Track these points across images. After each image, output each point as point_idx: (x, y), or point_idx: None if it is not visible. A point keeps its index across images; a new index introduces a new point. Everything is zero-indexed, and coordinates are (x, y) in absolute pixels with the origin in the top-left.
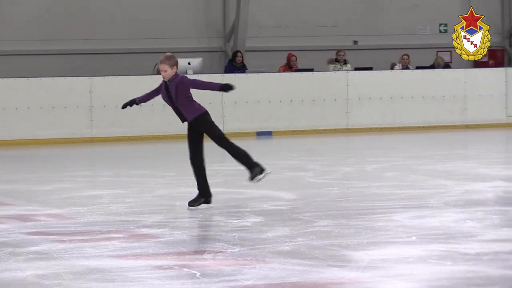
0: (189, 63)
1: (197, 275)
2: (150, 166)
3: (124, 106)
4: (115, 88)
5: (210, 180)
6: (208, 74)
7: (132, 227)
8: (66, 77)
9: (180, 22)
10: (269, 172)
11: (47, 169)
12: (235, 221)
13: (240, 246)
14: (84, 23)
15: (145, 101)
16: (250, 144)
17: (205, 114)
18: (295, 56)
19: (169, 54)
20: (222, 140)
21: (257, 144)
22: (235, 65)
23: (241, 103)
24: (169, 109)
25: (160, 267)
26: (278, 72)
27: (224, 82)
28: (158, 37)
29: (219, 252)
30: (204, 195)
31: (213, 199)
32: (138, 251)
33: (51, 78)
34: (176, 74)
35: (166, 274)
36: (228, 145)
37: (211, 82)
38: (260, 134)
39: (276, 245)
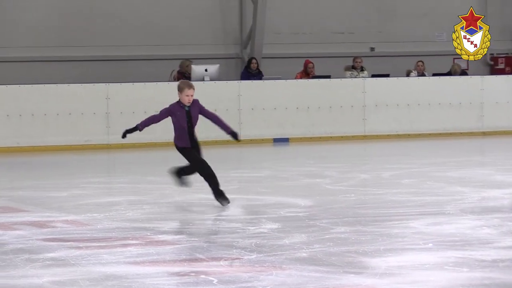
0: (206, 70)
1: (214, 282)
2: (166, 172)
3: (124, 135)
4: (132, 95)
5: (225, 187)
6: (225, 81)
7: (148, 234)
8: (83, 84)
9: (197, 29)
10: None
11: (64, 175)
12: (252, 228)
13: (257, 252)
14: (102, 29)
15: (147, 126)
16: (267, 150)
17: None
18: (312, 63)
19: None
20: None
21: (274, 150)
22: (250, 72)
23: (258, 110)
24: None
25: (177, 274)
26: (295, 78)
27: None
28: (175, 43)
29: (236, 258)
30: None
31: (231, 206)
32: (155, 257)
33: (67, 84)
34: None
35: (183, 280)
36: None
37: (223, 121)
38: (277, 140)
39: (293, 251)
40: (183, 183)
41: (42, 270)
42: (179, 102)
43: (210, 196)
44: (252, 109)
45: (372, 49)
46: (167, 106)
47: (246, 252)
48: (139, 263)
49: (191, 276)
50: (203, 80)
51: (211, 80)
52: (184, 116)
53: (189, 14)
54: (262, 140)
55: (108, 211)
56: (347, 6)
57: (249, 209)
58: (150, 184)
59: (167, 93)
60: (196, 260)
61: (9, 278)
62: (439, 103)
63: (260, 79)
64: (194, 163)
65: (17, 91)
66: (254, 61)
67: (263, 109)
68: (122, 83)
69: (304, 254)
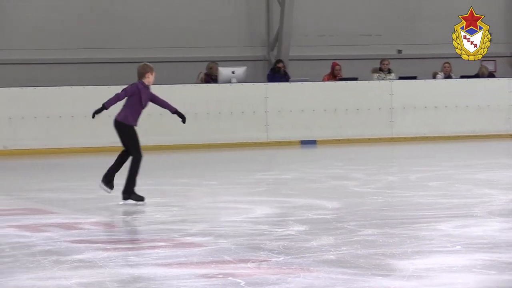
0: (233, 72)
1: (241, 284)
2: (193, 174)
3: (93, 115)
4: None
5: (253, 189)
6: (252, 83)
7: (176, 236)
8: (110, 86)
9: (224, 31)
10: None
11: (92, 177)
12: (280, 230)
13: (284, 254)
14: (130, 32)
15: (112, 105)
16: (294, 153)
17: None
18: (339, 65)
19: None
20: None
21: (301, 152)
22: (277, 74)
23: (285, 112)
24: (213, 118)
25: (205, 276)
26: (322, 81)
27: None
28: (202, 46)
29: (264, 260)
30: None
31: (258, 208)
32: (182, 259)
33: (94, 86)
34: None
35: (210, 282)
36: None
37: (170, 104)
38: (304, 142)
39: (321, 254)
40: (111, 187)
41: (70, 271)
42: (142, 83)
43: (238, 198)
44: (279, 111)
45: (400, 51)
46: (128, 86)
47: (273, 254)
48: (167, 265)
49: (218, 278)
50: (230, 82)
51: (238, 82)
52: (147, 96)
53: (216, 16)
54: (289, 142)
55: (135, 213)
56: (374, 8)
57: (276, 211)
58: (177, 186)
59: (194, 95)
60: (224, 262)
61: (37, 280)
62: (467, 105)
63: (287, 81)
64: (136, 144)
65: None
66: (281, 63)
67: (290, 111)
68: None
69: (332, 256)
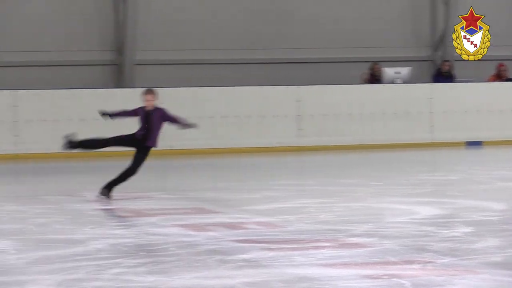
0: (397, 73)
1: (406, 285)
2: (358, 175)
3: (104, 114)
4: (322, 97)
5: (418, 190)
6: (417, 84)
7: (340, 236)
8: (274, 86)
9: (388, 31)
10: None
11: (255, 177)
12: (445, 231)
13: (450, 256)
14: (292, 32)
15: (118, 117)
16: (459, 153)
17: None
18: (504, 65)
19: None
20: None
21: (467, 153)
22: (442, 74)
23: (450, 113)
24: (378, 118)
25: (369, 277)
26: (487, 81)
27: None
28: (365, 46)
29: (429, 262)
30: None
31: (423, 209)
32: (347, 260)
33: (259, 87)
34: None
35: (375, 283)
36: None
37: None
38: (470, 144)
39: (487, 256)
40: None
41: (234, 271)
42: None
43: (403, 199)
44: (444, 112)
45: None
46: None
47: (439, 256)
48: (331, 265)
49: (383, 279)
50: (394, 82)
51: (402, 82)
52: (143, 117)
53: (379, 16)
54: (455, 143)
55: (299, 213)
56: None
57: (441, 212)
58: (342, 186)
59: (356, 95)
60: (388, 263)
61: (202, 279)
62: None
63: (452, 81)
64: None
65: (212, 93)
66: (446, 63)
67: (455, 112)
68: (313, 86)
69: (498, 259)
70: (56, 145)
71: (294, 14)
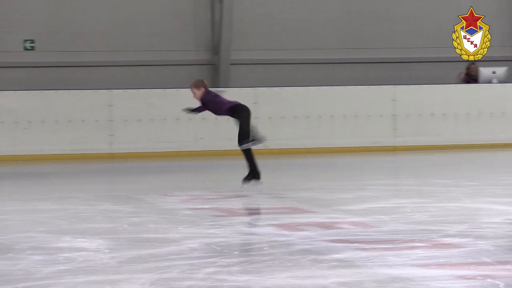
0: (493, 72)
1: (500, 286)
2: (454, 175)
3: (188, 111)
4: (418, 97)
5: (505, 191)
6: None
7: (435, 236)
8: (369, 86)
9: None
10: None
11: (351, 177)
12: None
13: None
14: (386, 31)
15: (199, 112)
16: None
17: None
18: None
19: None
20: None
21: None
22: None
23: None
24: (473, 118)
25: (463, 277)
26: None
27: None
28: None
29: None
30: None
31: None
32: (441, 260)
33: (354, 86)
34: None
35: (469, 284)
36: None
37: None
38: None
39: None
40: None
41: (328, 271)
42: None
43: (498, 199)
44: None
45: None
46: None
47: None
48: (425, 266)
49: (477, 280)
50: (491, 82)
51: (499, 82)
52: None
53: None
54: None
55: (394, 213)
56: None
57: None
58: (437, 186)
59: (453, 95)
60: (483, 263)
61: (295, 278)
62: None
63: None
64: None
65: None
66: None
67: None
68: (408, 85)
69: None
70: (150, 145)
71: (390, 13)
